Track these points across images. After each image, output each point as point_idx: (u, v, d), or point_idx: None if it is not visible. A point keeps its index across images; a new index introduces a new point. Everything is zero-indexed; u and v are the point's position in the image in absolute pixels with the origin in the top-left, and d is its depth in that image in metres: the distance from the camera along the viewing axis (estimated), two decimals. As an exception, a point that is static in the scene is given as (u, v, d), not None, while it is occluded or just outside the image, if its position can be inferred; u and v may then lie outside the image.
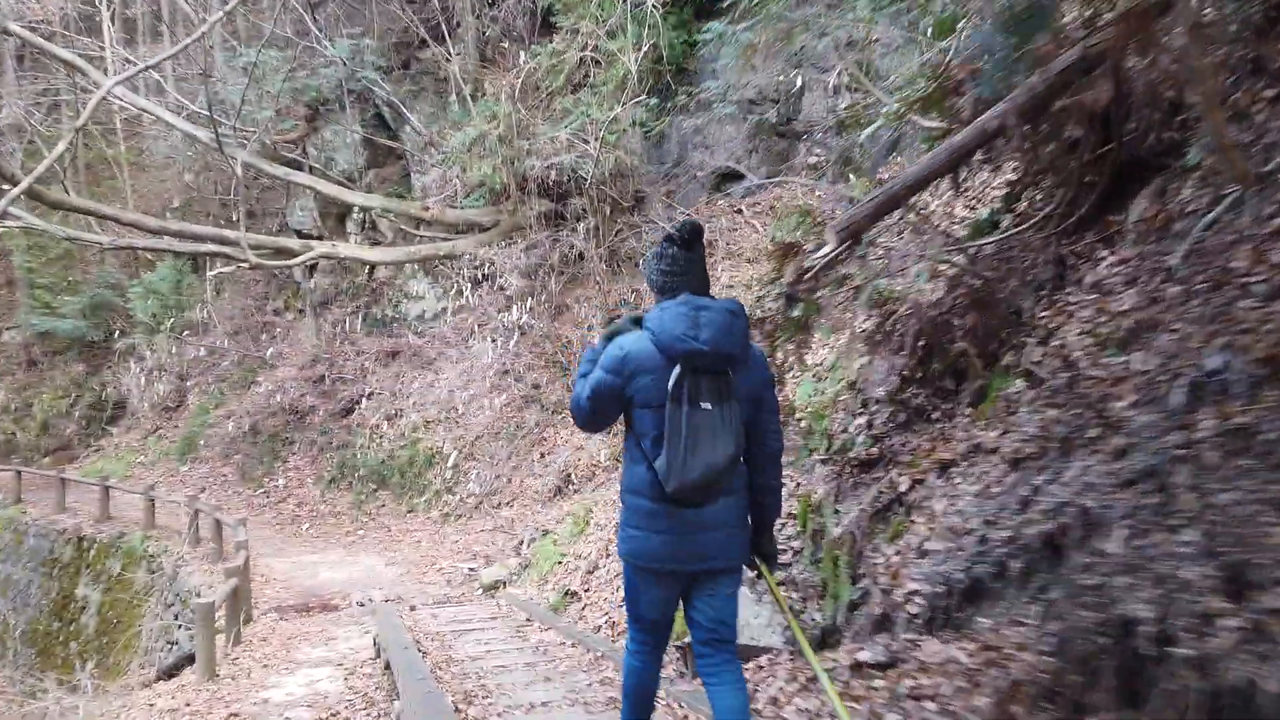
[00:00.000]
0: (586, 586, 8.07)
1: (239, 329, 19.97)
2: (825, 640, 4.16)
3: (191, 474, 17.64)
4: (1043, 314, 4.03)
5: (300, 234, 18.63)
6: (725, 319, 2.85)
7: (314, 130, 18.73)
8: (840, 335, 5.20)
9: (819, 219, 15.33)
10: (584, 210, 13.45)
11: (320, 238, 18.59)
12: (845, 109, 15.76)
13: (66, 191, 13.09)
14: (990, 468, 3.75)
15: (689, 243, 2.99)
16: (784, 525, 4.83)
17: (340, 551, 13.22)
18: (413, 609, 7.98)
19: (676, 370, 2.77)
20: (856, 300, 4.35)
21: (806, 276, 4.21)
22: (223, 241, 12.84)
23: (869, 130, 6.50)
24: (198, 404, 19.23)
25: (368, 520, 14.32)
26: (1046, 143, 4.09)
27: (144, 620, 13.54)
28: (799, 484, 5.07)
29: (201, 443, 17.97)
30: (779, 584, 3.84)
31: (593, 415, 2.98)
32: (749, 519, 2.99)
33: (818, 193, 15.36)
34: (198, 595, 11.10)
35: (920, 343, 4.27)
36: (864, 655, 3.73)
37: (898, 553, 3.96)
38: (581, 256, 13.67)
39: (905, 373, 4.46)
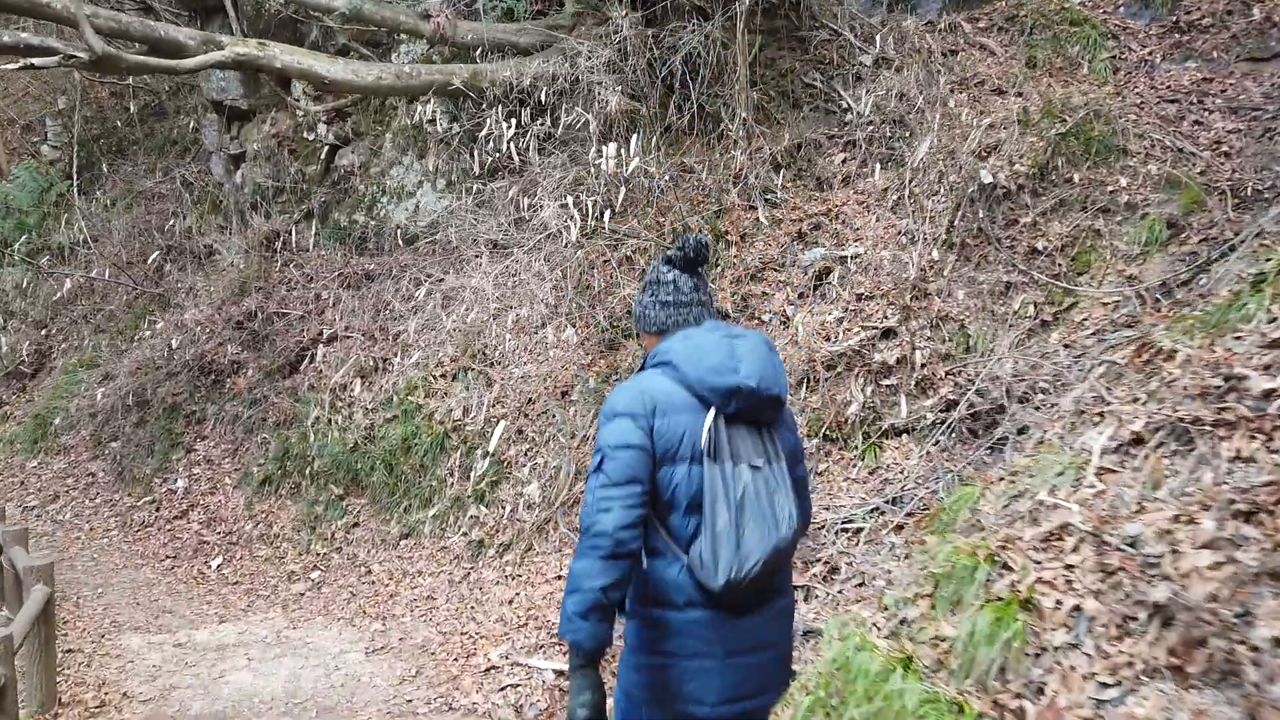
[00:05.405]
0: None
1: (131, 260, 13.43)
2: None
3: (42, 471, 11.12)
4: None
5: (218, 104, 12.21)
6: (765, 351, 2.17)
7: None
8: None
9: (1107, 30, 8.93)
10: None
11: (251, 105, 12.21)
12: None
13: None
14: None
15: (692, 263, 2.28)
16: None
17: (277, 616, 6.92)
18: None
19: (710, 415, 2.06)
20: None
21: None
22: (45, 15, 6.52)
23: None
24: (64, 364, 12.66)
25: (328, 550, 8.04)
26: None
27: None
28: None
29: (57, 421, 11.42)
30: None
31: (624, 511, 1.97)
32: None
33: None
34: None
35: None
36: None
37: None
38: (719, 71, 7.51)
39: None
